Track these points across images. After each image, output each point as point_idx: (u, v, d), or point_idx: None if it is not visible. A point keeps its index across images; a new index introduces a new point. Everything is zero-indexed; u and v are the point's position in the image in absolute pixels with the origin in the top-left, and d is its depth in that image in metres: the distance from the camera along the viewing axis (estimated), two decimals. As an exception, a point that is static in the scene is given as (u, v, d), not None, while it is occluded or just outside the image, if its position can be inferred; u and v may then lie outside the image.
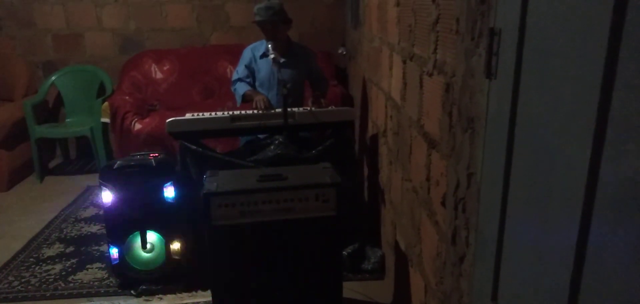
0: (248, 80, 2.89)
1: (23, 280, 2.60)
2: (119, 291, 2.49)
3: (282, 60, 2.71)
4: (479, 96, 1.11)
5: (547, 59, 0.80)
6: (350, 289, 2.38)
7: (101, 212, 3.06)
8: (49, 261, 2.79)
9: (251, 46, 2.93)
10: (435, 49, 1.48)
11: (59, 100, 4.36)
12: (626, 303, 0.61)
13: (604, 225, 0.66)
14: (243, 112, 2.62)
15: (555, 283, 0.78)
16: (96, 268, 2.72)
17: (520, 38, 0.89)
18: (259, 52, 2.88)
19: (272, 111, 2.62)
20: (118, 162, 2.41)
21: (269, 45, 2.68)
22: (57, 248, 2.94)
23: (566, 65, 0.74)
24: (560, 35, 0.76)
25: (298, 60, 2.87)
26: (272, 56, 2.61)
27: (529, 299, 0.88)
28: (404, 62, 1.93)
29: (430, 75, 1.53)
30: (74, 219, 3.33)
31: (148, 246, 2.47)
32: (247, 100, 2.79)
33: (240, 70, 2.92)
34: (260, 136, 2.71)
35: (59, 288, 2.53)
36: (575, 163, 0.72)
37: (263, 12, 2.70)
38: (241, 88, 2.85)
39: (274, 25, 2.73)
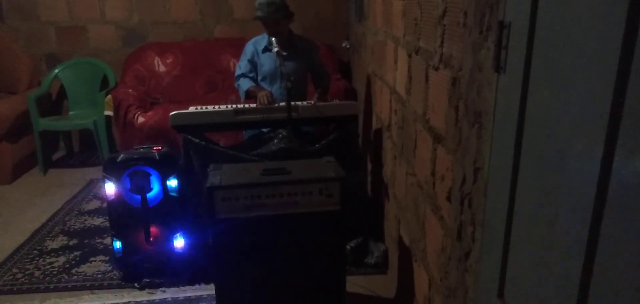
0: (251, 75, 2.88)
1: (27, 272, 2.61)
2: (123, 283, 2.49)
3: (284, 53, 2.70)
4: (487, 91, 1.09)
5: (559, 52, 0.79)
6: (353, 283, 2.38)
7: (104, 205, 3.06)
8: (52, 254, 2.80)
9: (253, 40, 2.92)
10: (442, 42, 1.46)
11: (62, 93, 4.36)
12: (639, 301, 0.60)
13: (616, 222, 0.64)
14: (246, 105, 2.63)
15: (564, 281, 0.77)
16: (100, 260, 2.72)
17: (530, 31, 0.88)
18: (260, 46, 2.87)
19: (276, 105, 2.62)
20: (121, 155, 2.41)
21: (273, 39, 2.67)
22: (61, 241, 2.95)
23: (579, 59, 0.73)
24: (573, 28, 0.75)
25: (300, 53, 2.86)
26: (275, 49, 2.59)
27: (536, 297, 0.87)
28: (410, 55, 1.91)
29: (437, 69, 1.52)
30: (77, 212, 3.34)
31: (151, 239, 2.47)
32: (250, 96, 2.79)
33: (243, 66, 2.91)
34: (264, 130, 2.71)
35: (63, 280, 2.54)
36: (587, 158, 0.70)
37: (265, 7, 2.69)
38: (245, 84, 2.86)
39: (276, 22, 2.71)
